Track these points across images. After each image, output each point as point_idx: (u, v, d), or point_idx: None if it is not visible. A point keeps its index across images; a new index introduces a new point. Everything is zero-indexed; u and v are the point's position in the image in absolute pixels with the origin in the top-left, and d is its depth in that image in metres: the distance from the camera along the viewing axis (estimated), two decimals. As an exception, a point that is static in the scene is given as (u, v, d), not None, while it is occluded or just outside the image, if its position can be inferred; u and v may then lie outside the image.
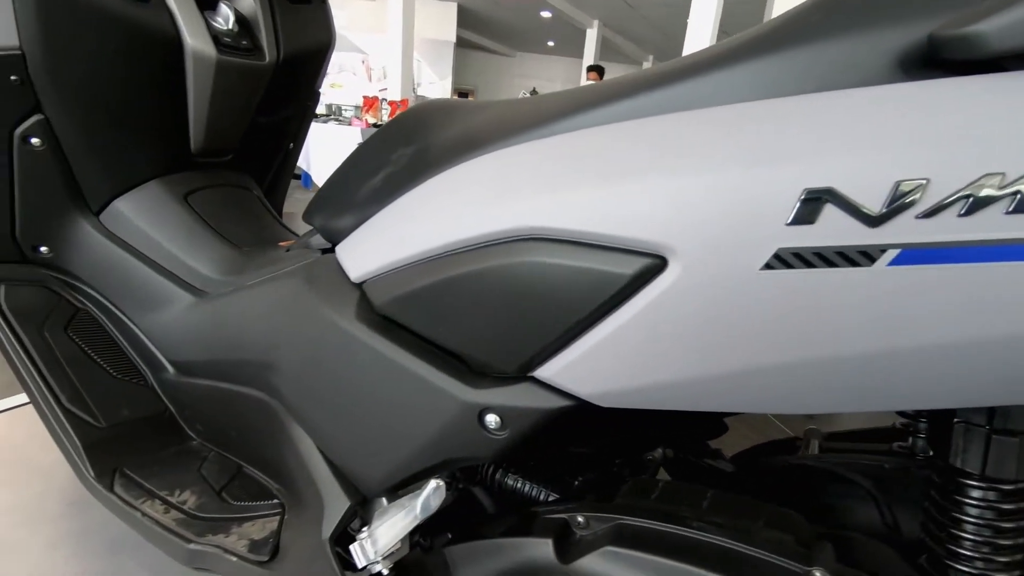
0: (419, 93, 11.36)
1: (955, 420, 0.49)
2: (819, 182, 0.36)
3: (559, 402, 0.50)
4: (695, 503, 0.57)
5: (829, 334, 0.38)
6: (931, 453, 0.64)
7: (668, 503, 0.57)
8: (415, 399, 0.57)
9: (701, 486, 0.61)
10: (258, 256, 1.06)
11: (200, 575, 1.16)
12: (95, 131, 1.05)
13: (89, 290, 1.16)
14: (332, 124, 6.89)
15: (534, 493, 0.69)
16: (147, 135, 1.12)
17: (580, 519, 0.58)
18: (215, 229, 1.14)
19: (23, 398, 1.91)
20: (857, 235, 0.35)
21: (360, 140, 5.05)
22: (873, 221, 0.35)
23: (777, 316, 0.39)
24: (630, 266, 0.42)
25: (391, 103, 7.22)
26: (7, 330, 1.06)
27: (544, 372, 0.50)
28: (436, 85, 14.97)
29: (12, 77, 0.95)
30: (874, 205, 0.34)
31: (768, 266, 0.38)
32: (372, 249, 0.64)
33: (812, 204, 0.36)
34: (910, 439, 0.66)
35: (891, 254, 0.35)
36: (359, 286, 0.66)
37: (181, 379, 1.09)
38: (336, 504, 0.66)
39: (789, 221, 0.37)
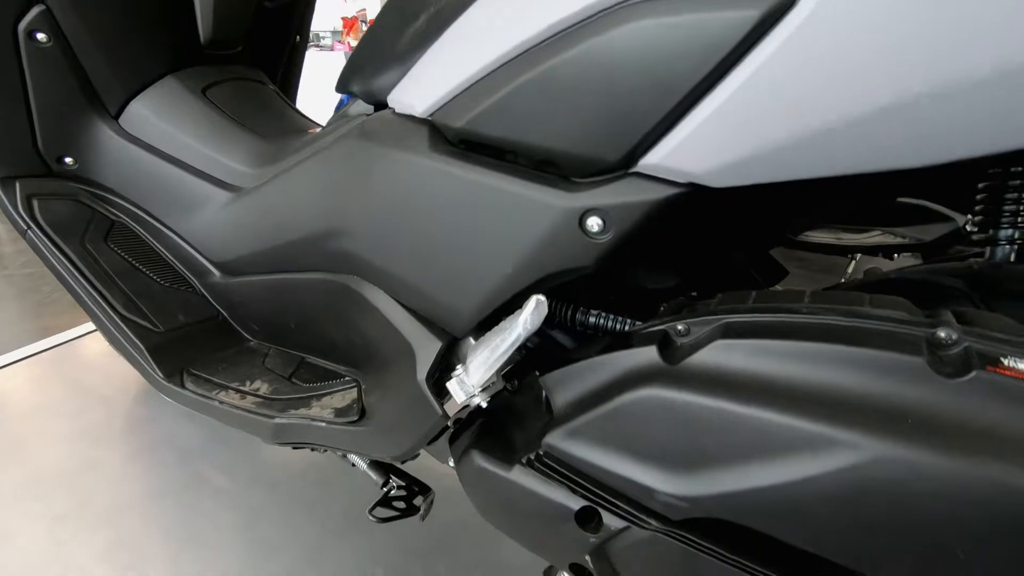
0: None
1: None
2: None
3: (667, 191, 0.48)
4: (797, 299, 0.56)
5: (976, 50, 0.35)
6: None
7: (769, 302, 0.57)
8: (509, 218, 0.55)
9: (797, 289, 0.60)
10: (291, 143, 1.02)
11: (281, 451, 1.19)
12: (100, 23, 0.98)
13: (120, 200, 1.14)
14: (313, 51, 6.58)
15: (618, 326, 0.69)
16: (154, 25, 1.05)
17: (680, 327, 0.57)
18: (240, 122, 1.09)
19: (66, 335, 1.93)
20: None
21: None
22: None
23: (918, 36, 0.36)
24: (756, 6, 0.39)
25: (372, 22, 6.85)
26: (51, 245, 1.04)
27: (650, 160, 0.48)
28: None
29: None
30: None
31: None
32: (435, 81, 0.60)
33: None
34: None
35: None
36: (426, 122, 0.63)
37: (229, 281, 1.09)
38: (426, 348, 0.66)
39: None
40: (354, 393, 0.88)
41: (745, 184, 0.46)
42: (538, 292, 0.57)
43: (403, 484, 0.93)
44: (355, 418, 0.80)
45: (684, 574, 0.59)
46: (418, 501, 0.91)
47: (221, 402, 0.96)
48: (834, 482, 0.45)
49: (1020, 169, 0.72)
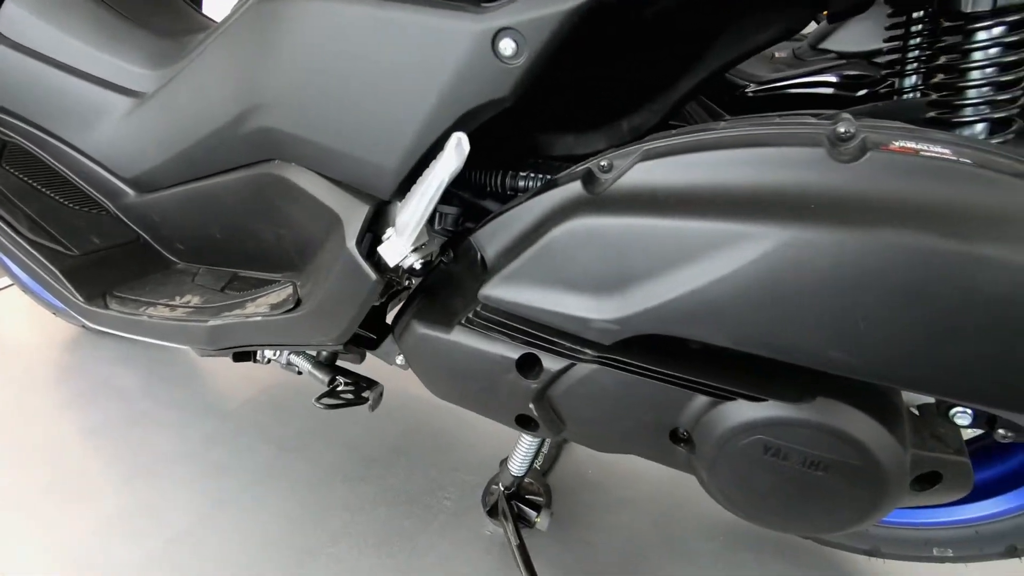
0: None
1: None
2: None
3: (572, 1, 0.47)
4: (715, 124, 0.58)
5: None
6: None
7: (689, 135, 0.58)
8: (422, 51, 0.53)
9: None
10: (193, 38, 0.95)
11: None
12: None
13: (7, 117, 1.04)
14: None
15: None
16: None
17: (603, 163, 0.58)
18: (134, 20, 1.00)
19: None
20: None
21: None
22: None
23: None
24: None
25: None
26: None
27: None
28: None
29: None
30: None
31: None
32: None
33: None
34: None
35: None
36: None
37: (145, 198, 1.02)
38: (354, 214, 0.65)
39: None
40: (289, 289, 0.86)
41: None
42: (460, 131, 0.56)
43: (349, 381, 0.92)
44: (291, 306, 0.78)
45: (624, 401, 0.62)
46: (367, 395, 0.91)
47: (150, 316, 0.92)
48: (750, 273, 0.47)
49: (922, 16, 0.75)
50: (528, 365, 0.64)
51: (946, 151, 0.45)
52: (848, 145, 0.48)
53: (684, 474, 0.88)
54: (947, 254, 0.41)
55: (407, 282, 0.80)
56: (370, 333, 0.91)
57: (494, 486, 1.04)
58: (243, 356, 0.99)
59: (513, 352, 0.64)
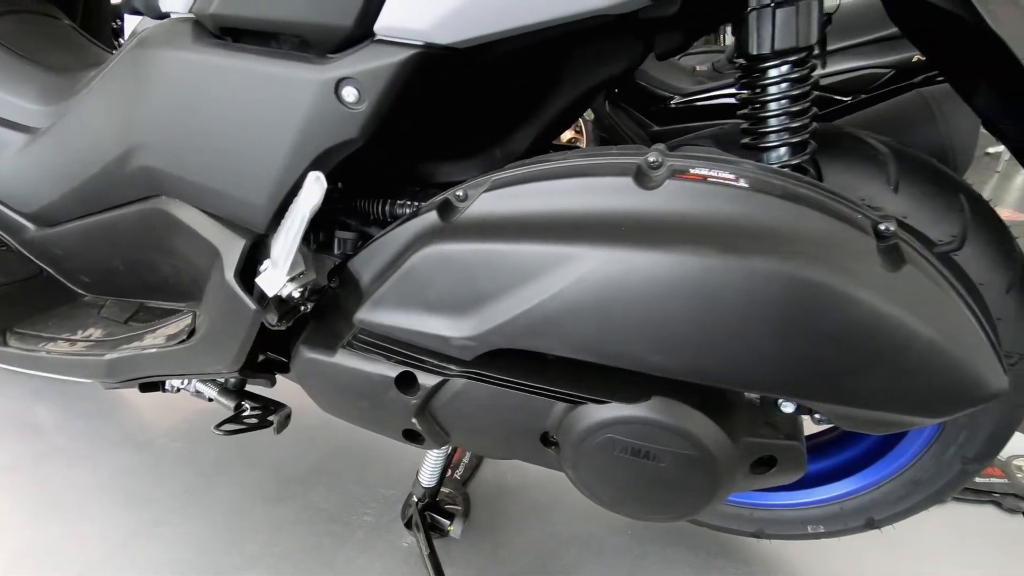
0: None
1: (747, 11, 0.56)
2: None
3: (406, 52, 0.52)
4: (563, 153, 0.64)
5: None
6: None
7: (529, 166, 0.64)
8: (274, 100, 0.57)
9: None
10: (85, 74, 0.96)
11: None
12: None
13: None
14: None
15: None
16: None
17: (460, 193, 0.63)
18: (27, 57, 1.01)
19: None
20: None
21: None
22: None
23: None
24: None
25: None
26: None
27: (383, 23, 0.52)
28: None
29: None
30: None
31: None
32: None
33: None
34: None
35: None
36: (191, 18, 0.63)
37: (46, 232, 1.02)
38: (231, 247, 0.68)
39: None
40: (188, 320, 0.88)
41: (470, 38, 0.51)
42: (318, 170, 0.60)
43: (257, 406, 0.94)
44: (184, 338, 0.80)
45: (495, 411, 0.67)
46: (272, 418, 0.93)
47: (49, 352, 0.92)
48: (576, 290, 0.53)
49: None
50: (406, 382, 0.69)
51: (730, 176, 0.52)
52: (657, 172, 0.54)
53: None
54: (724, 266, 0.48)
55: (303, 308, 0.83)
56: (282, 357, 0.94)
57: (413, 499, 1.07)
58: (150, 387, 1.00)
59: (391, 371, 0.68)
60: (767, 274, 0.47)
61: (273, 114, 0.59)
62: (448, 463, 1.05)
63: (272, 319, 0.83)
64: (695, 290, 0.49)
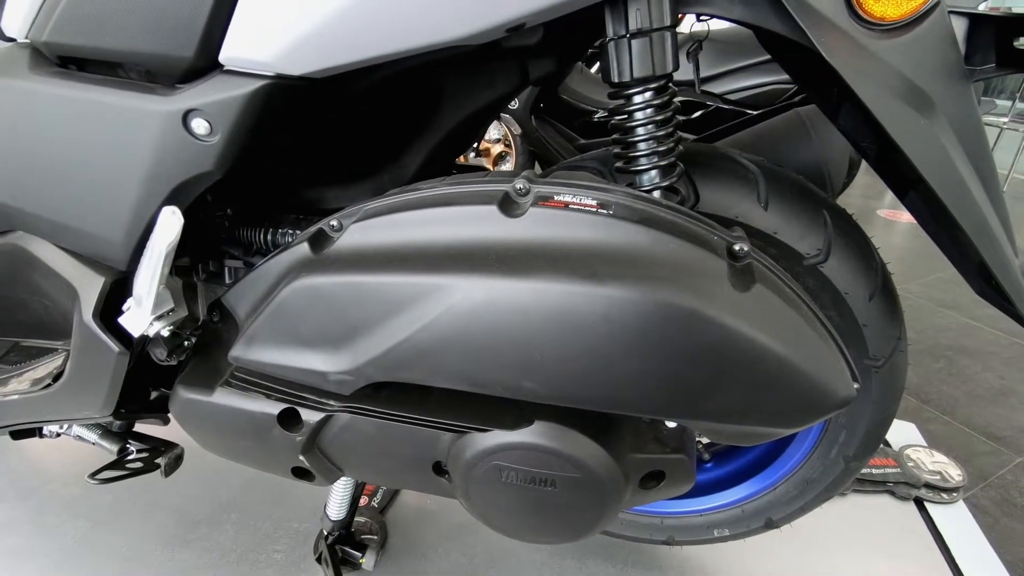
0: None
1: (605, 41, 0.57)
2: None
3: (256, 83, 0.51)
4: (434, 180, 0.63)
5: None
6: None
7: (401, 195, 0.63)
8: (122, 131, 0.54)
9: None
10: None
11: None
12: None
13: None
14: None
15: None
16: None
17: (334, 223, 0.61)
18: None
19: None
20: None
21: None
22: None
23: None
24: None
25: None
26: None
27: (228, 54, 0.50)
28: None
29: None
30: None
31: None
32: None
33: None
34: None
35: None
36: (29, 46, 0.58)
37: None
38: (90, 286, 0.64)
39: None
40: (59, 361, 0.81)
41: (322, 68, 0.50)
42: (175, 204, 0.57)
43: (144, 447, 0.89)
44: (49, 382, 0.75)
45: (384, 444, 0.65)
46: (160, 460, 0.88)
47: (-102, 405, 0.83)
48: (446, 320, 0.52)
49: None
50: (290, 420, 0.66)
51: (592, 203, 0.52)
52: (523, 200, 0.54)
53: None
54: (582, 292, 0.48)
55: (186, 343, 0.79)
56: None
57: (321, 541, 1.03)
58: (23, 434, 0.92)
59: (272, 408, 0.66)
60: (623, 299, 0.48)
61: (121, 147, 0.55)
62: (359, 492, 1.02)
63: (161, 354, 0.78)
64: (557, 316, 0.50)
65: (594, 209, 0.52)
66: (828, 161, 0.95)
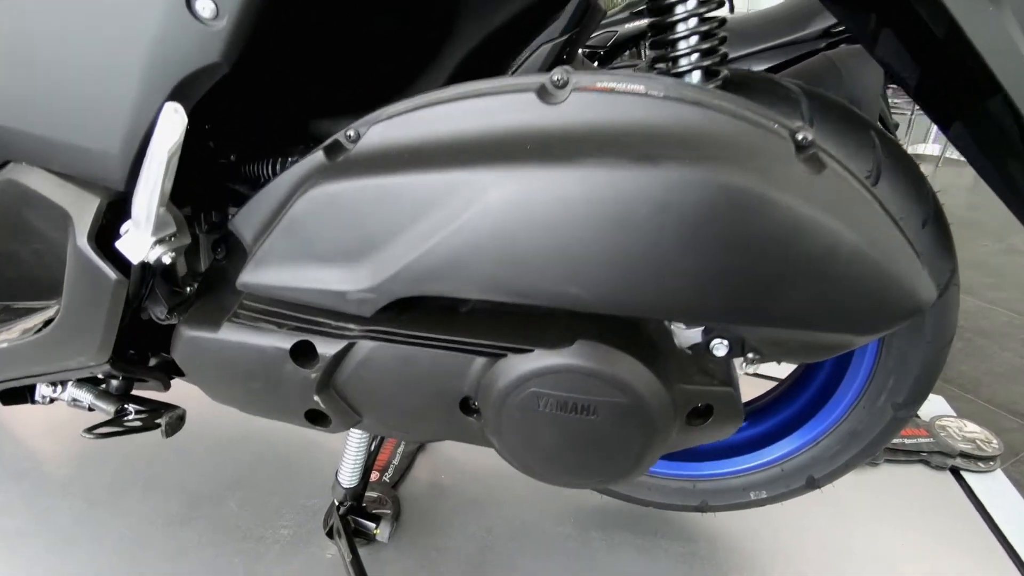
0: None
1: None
2: None
3: None
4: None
5: None
6: None
7: (431, 94, 0.58)
8: (116, 15, 0.49)
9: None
10: None
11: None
12: None
13: None
14: None
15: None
16: None
17: (351, 132, 0.56)
18: None
19: None
20: None
21: None
22: None
23: None
24: None
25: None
26: None
27: None
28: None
29: None
30: None
31: None
32: None
33: None
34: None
35: None
36: None
37: None
38: (85, 208, 0.58)
39: None
40: (49, 313, 0.76)
41: None
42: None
43: (143, 409, 0.83)
44: (40, 327, 0.69)
45: (408, 377, 0.60)
46: (161, 420, 0.82)
47: None
48: (481, 218, 0.47)
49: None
50: (303, 353, 0.61)
51: (640, 88, 0.47)
52: (562, 91, 0.49)
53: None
54: (637, 176, 0.43)
55: (187, 289, 0.74)
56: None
57: (335, 503, 0.97)
58: (12, 397, 0.86)
59: (285, 341, 0.60)
60: (682, 182, 0.43)
61: (119, 36, 0.50)
62: (371, 461, 0.96)
63: (160, 313, 0.73)
64: (607, 207, 0.45)
65: (643, 92, 0.47)
66: (860, 101, 0.91)
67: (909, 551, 0.99)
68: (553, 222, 0.46)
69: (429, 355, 0.58)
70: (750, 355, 0.59)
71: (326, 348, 0.59)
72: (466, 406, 0.61)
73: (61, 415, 1.27)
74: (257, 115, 0.71)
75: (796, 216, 0.43)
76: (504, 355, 0.56)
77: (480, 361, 0.57)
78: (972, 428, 1.31)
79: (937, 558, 0.98)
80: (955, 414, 1.39)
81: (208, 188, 0.71)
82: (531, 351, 0.55)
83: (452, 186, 0.48)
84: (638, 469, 0.60)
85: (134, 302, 0.66)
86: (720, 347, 0.61)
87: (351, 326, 0.58)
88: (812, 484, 0.87)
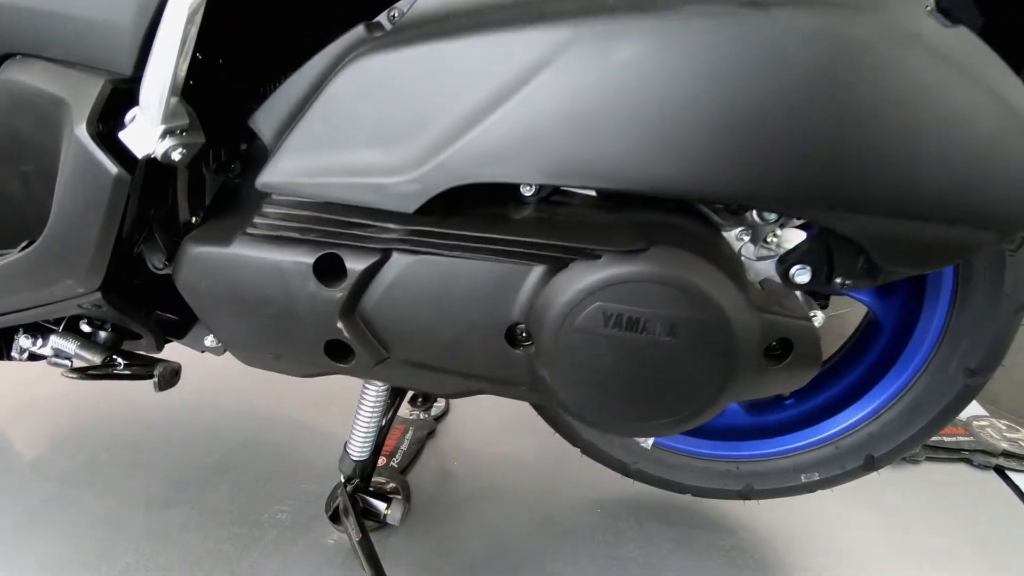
0: None
1: None
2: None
3: None
4: None
5: None
6: None
7: None
8: None
9: None
10: None
11: None
12: None
13: None
14: None
15: None
16: None
17: (394, 12, 0.48)
18: None
19: None
20: None
21: None
22: None
23: None
24: None
25: None
26: None
27: None
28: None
29: None
30: None
31: None
32: None
33: None
34: None
35: None
36: None
37: None
38: (84, 93, 0.50)
39: None
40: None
41: None
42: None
43: (132, 363, 0.73)
44: (24, 246, 0.60)
45: (446, 300, 0.52)
46: (155, 372, 0.72)
47: None
48: (548, 85, 0.40)
49: None
50: (328, 269, 0.53)
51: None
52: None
53: (558, 451, 0.84)
54: (734, 24, 0.37)
55: (194, 219, 0.66)
56: (172, 315, 0.75)
57: (341, 479, 0.87)
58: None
59: (308, 255, 0.52)
60: (797, 31, 0.37)
61: None
62: (383, 437, 0.87)
63: (158, 260, 0.64)
64: (701, 64, 0.38)
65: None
66: None
67: (965, 550, 0.91)
68: (641, 84, 0.39)
69: (475, 269, 0.50)
70: (838, 280, 0.52)
71: (355, 263, 0.51)
72: (512, 337, 0.53)
73: (33, 393, 1.17)
74: (271, 44, 0.65)
75: (932, 74, 0.37)
76: (566, 264, 0.48)
77: (535, 275, 0.49)
78: (1011, 426, 1.24)
79: (993, 554, 0.90)
80: (987, 414, 1.32)
81: (219, 123, 0.64)
82: (599, 257, 0.47)
83: (520, 45, 0.41)
84: (713, 409, 0.52)
85: (132, 226, 0.58)
86: (802, 274, 0.54)
87: (388, 229, 0.50)
88: (871, 465, 0.79)
